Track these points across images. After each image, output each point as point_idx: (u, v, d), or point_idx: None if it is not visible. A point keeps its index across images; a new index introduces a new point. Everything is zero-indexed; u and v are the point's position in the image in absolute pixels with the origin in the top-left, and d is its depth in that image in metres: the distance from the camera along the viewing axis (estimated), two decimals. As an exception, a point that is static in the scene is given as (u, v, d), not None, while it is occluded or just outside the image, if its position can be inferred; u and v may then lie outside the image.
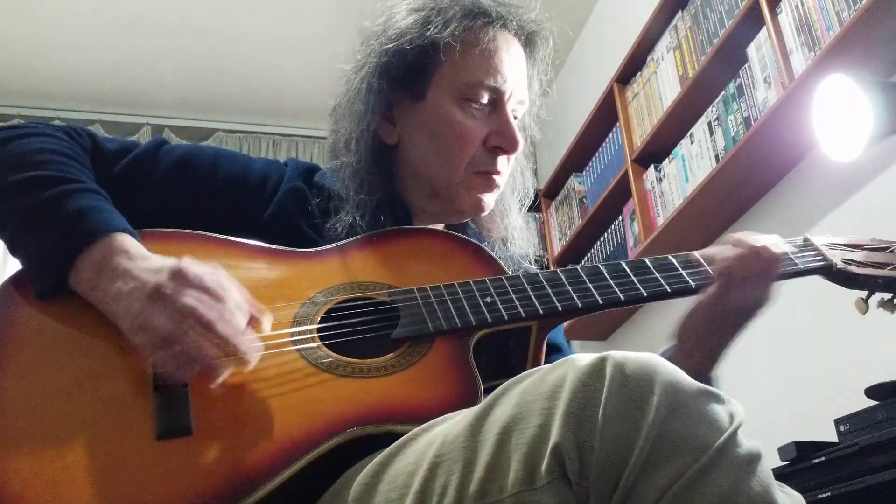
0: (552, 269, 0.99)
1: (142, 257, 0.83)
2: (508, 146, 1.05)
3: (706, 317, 0.93)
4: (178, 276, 0.79)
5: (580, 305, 0.91)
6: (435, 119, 1.05)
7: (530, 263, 1.16)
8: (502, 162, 1.07)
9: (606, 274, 0.95)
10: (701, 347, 0.94)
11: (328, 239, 0.99)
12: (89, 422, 0.76)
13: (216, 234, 0.96)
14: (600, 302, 0.92)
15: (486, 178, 1.06)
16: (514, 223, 1.15)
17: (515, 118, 1.09)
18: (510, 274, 0.95)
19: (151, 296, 0.78)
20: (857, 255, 1.03)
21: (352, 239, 0.99)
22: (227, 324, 0.77)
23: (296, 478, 0.73)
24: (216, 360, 0.76)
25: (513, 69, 1.06)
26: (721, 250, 0.96)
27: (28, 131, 0.95)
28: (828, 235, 1.07)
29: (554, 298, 0.91)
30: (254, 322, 0.81)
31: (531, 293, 0.91)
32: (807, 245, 1.04)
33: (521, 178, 1.17)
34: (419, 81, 1.06)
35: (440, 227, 1.11)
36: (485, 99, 1.05)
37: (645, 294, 0.94)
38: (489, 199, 1.08)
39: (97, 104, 3.83)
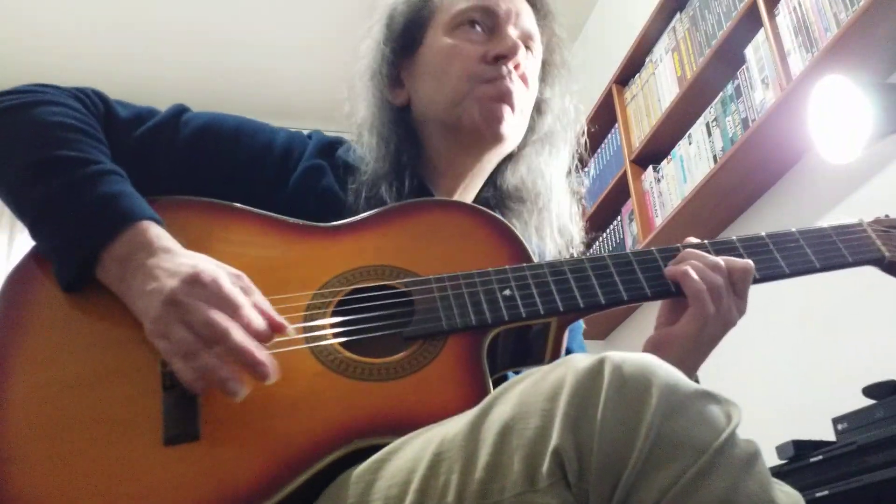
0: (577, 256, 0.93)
1: (163, 250, 0.80)
2: (508, 50, 1.01)
3: (686, 348, 0.88)
4: (194, 281, 0.76)
5: (604, 302, 0.86)
6: (431, 56, 1.04)
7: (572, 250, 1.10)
8: (509, 71, 1.01)
9: (636, 265, 0.89)
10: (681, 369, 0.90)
11: (344, 217, 0.94)
12: (97, 421, 0.75)
13: (235, 204, 0.92)
14: (625, 298, 0.87)
15: (493, 85, 1.01)
16: (557, 202, 1.08)
17: (529, 50, 1.05)
18: (535, 260, 0.90)
19: (167, 301, 0.76)
20: None
21: (373, 212, 0.94)
22: (243, 337, 0.75)
23: (299, 487, 0.72)
24: (233, 378, 0.74)
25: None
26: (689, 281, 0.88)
27: (38, 98, 0.91)
28: (887, 216, 1.01)
29: (577, 293, 0.86)
30: (274, 329, 0.79)
31: (553, 287, 0.86)
32: (859, 232, 0.97)
33: (559, 147, 1.11)
34: (417, 34, 1.05)
35: (471, 193, 1.08)
36: (478, 21, 1.03)
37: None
38: (505, 114, 1.01)
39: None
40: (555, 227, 1.09)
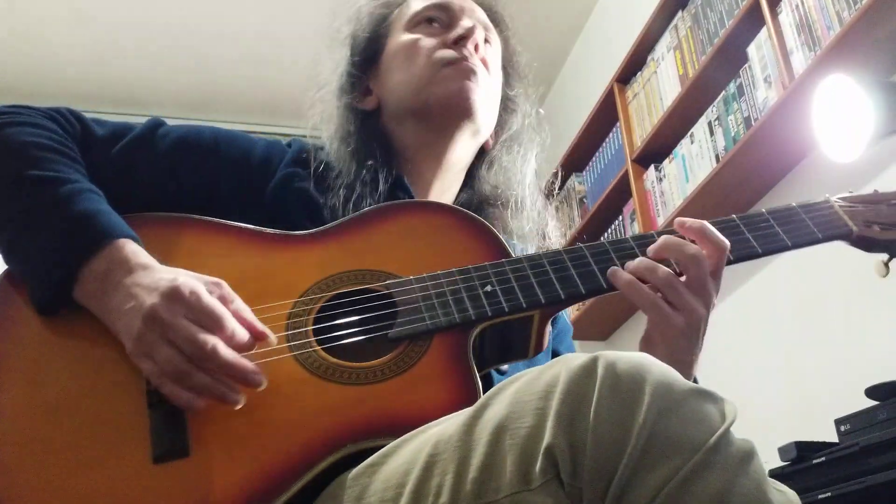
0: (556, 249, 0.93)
1: (141, 267, 0.80)
2: (466, 31, 1.06)
3: (666, 340, 0.85)
4: (174, 296, 0.76)
5: (583, 291, 0.87)
6: (394, 54, 1.08)
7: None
8: (469, 51, 1.05)
9: (613, 253, 0.90)
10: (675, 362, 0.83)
11: (325, 222, 0.95)
12: (84, 442, 0.74)
13: (211, 219, 0.92)
14: (604, 286, 0.88)
15: (455, 67, 1.04)
16: (531, 205, 1.10)
17: (487, 42, 1.10)
18: (514, 255, 0.91)
19: (147, 318, 0.75)
20: (882, 215, 0.98)
21: (351, 217, 0.94)
22: (230, 351, 0.75)
23: (294, 495, 0.72)
24: (231, 390, 0.75)
25: None
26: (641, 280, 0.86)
27: (12, 119, 0.91)
28: (851, 192, 1.02)
29: (557, 285, 0.87)
30: (257, 338, 0.79)
31: (533, 280, 0.87)
32: (825, 209, 0.98)
33: (527, 148, 1.14)
34: (380, 44, 1.10)
35: (450, 195, 1.09)
36: (435, 18, 1.09)
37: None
38: (471, 90, 1.03)
39: (91, 104, 3.81)
40: (535, 231, 1.10)
